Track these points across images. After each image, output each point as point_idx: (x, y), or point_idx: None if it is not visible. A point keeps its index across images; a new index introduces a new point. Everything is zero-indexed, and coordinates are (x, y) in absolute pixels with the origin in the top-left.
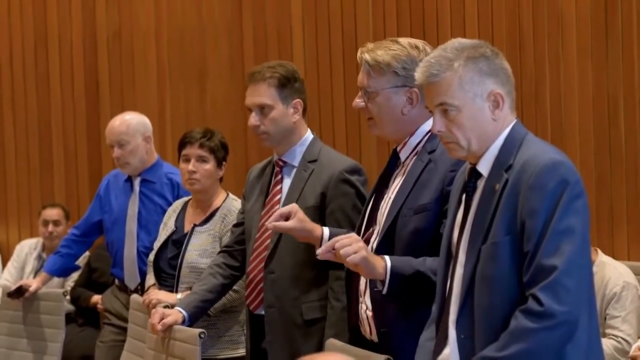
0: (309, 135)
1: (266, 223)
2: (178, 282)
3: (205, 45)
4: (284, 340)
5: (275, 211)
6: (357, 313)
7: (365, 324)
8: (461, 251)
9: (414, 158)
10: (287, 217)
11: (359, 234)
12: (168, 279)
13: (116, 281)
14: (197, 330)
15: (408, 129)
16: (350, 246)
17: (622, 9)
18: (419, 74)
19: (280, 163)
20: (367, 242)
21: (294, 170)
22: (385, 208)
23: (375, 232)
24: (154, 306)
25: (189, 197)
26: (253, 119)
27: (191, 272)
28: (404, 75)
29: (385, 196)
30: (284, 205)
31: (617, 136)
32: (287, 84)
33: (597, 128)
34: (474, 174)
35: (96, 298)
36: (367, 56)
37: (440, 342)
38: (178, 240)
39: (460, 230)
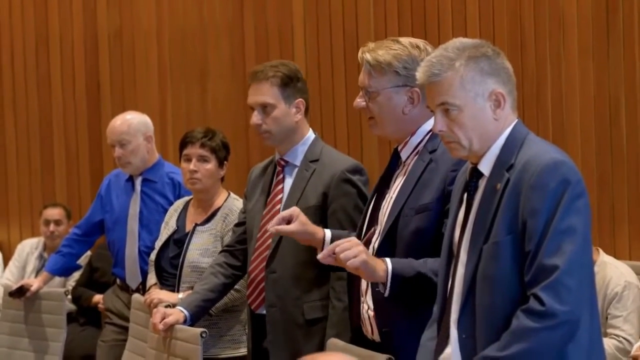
0: (310, 135)
1: (268, 227)
2: (179, 281)
3: (207, 45)
4: (285, 339)
5: (276, 211)
6: (358, 313)
7: (367, 323)
8: (462, 251)
9: (415, 158)
10: (288, 221)
11: (360, 233)
12: (169, 279)
13: (117, 281)
14: (198, 330)
15: (409, 129)
16: (350, 250)
17: (624, 9)
18: (420, 74)
19: (282, 162)
20: (368, 242)
21: (296, 170)
22: (387, 208)
23: (377, 232)
24: (156, 306)
25: (190, 197)
26: (255, 117)
27: (192, 272)
28: (405, 74)
29: (387, 196)
30: (285, 204)
31: (618, 136)
32: (290, 83)
33: (599, 128)
34: (476, 174)
35: (97, 297)
36: (368, 56)
37: (442, 341)
38: (179, 240)
39: (461, 230)
